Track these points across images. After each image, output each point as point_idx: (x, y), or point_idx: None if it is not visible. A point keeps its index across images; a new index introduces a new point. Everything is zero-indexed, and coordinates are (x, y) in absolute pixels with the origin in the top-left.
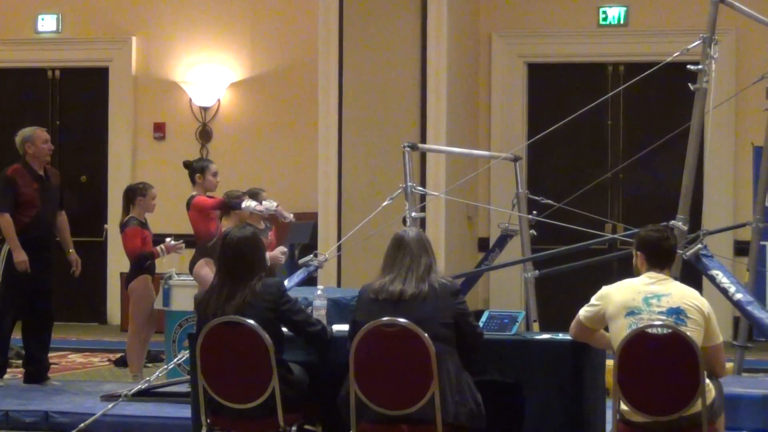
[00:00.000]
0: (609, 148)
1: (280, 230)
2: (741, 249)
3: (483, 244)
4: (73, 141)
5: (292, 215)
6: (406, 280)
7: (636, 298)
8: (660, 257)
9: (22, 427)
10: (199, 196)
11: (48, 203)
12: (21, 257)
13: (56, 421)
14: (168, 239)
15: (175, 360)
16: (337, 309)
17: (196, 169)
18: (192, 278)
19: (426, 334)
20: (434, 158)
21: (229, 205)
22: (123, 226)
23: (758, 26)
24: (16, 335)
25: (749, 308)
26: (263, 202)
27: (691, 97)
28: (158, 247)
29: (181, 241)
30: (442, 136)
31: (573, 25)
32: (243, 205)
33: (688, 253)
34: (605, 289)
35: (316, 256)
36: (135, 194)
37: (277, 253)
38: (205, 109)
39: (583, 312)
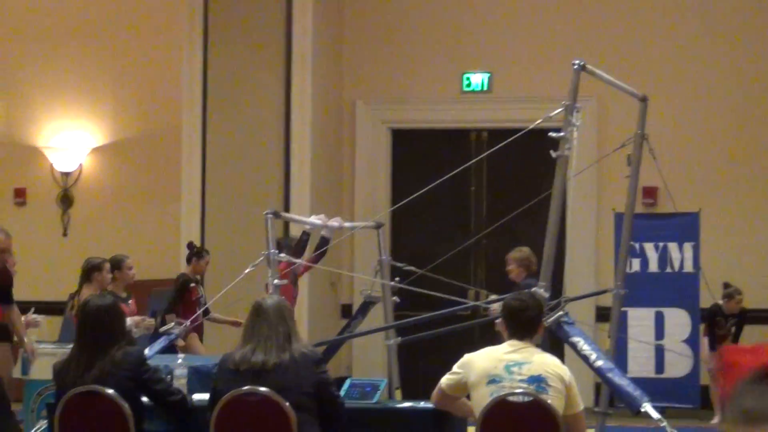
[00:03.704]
0: (472, 214)
1: (141, 298)
2: (602, 315)
3: (346, 310)
4: None
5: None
6: (267, 349)
7: (498, 366)
8: (519, 327)
9: None
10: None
11: None
12: None
13: None
14: (31, 311)
15: (33, 430)
16: (199, 377)
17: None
18: (53, 346)
19: (287, 403)
20: (297, 224)
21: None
22: None
23: (619, 93)
24: None
25: (610, 375)
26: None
27: (554, 163)
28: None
29: (40, 317)
30: (306, 203)
31: (437, 91)
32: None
33: (549, 320)
34: (467, 357)
35: (177, 324)
36: None
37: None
38: (66, 175)
39: (445, 380)
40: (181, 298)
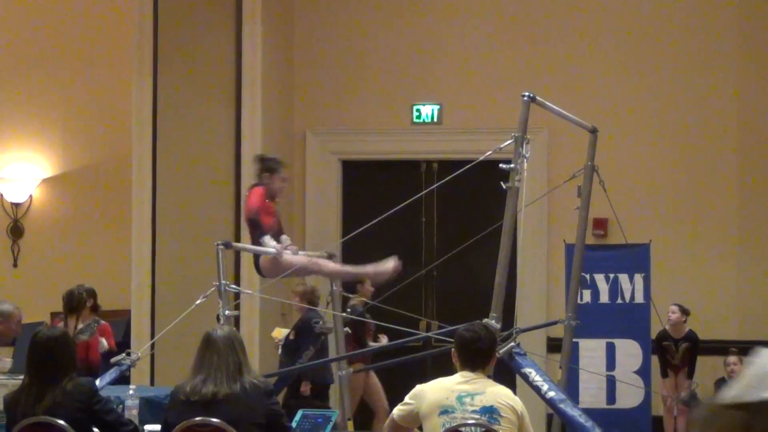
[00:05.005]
0: (423, 245)
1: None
2: (554, 346)
3: None
4: None
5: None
6: (218, 380)
7: (450, 397)
8: (471, 358)
9: None
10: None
11: None
12: None
13: None
14: None
15: None
16: (150, 408)
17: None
18: (5, 377)
19: None
20: (248, 255)
21: None
22: None
23: (569, 125)
24: None
25: (562, 406)
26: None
27: (505, 194)
28: None
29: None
30: None
31: (387, 123)
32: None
33: (501, 351)
34: (419, 388)
35: (128, 354)
36: None
37: None
38: (16, 205)
39: (397, 411)
40: (357, 331)
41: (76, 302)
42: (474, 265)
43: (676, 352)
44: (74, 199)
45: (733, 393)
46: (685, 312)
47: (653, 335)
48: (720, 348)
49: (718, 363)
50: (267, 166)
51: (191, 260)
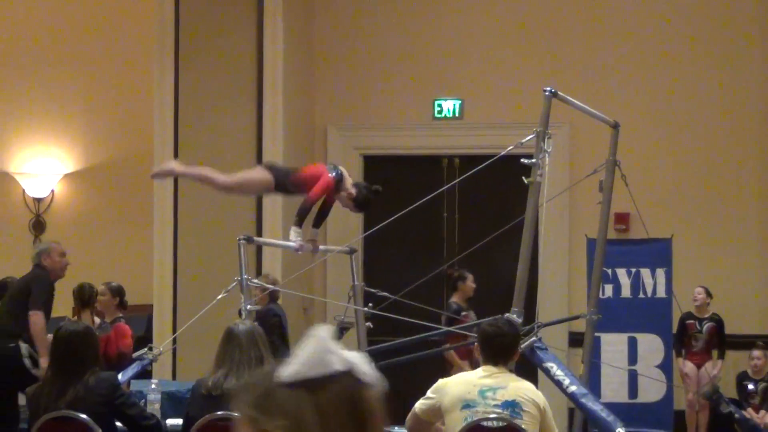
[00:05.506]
0: (445, 240)
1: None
2: (575, 340)
3: None
4: None
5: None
6: (240, 374)
7: (472, 391)
8: (493, 352)
9: None
10: None
11: None
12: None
13: None
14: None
15: None
16: (172, 402)
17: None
18: None
19: None
20: (270, 250)
21: None
22: None
23: (591, 120)
24: None
25: (583, 400)
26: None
27: (527, 189)
28: None
29: None
30: (278, 228)
31: (408, 118)
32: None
33: (522, 346)
34: (441, 382)
35: (150, 349)
36: None
37: None
38: (38, 200)
39: (419, 405)
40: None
41: (87, 296)
42: (495, 260)
43: (700, 332)
44: (96, 194)
45: (291, 371)
46: (710, 295)
47: (675, 330)
48: (744, 342)
49: (741, 357)
50: (361, 188)
51: (213, 255)
